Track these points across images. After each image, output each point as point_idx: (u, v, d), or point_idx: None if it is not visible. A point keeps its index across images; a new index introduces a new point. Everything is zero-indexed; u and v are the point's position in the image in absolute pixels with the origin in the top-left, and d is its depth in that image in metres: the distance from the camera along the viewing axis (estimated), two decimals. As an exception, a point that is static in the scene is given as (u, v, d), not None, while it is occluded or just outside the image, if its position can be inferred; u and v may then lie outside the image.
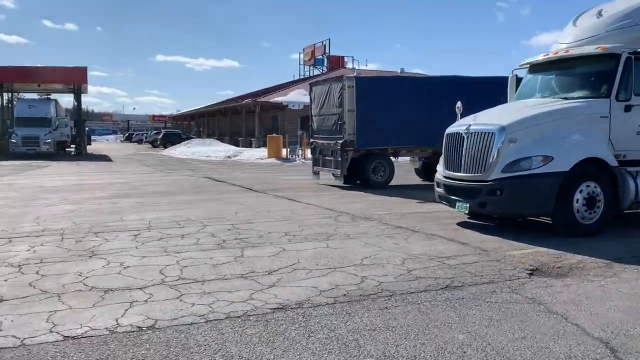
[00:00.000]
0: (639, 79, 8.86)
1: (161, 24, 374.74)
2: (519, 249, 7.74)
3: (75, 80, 42.98)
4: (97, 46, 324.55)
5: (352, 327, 4.65)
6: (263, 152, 37.23)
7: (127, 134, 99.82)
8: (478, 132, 8.86)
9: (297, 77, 72.44)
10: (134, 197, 14.50)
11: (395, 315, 4.95)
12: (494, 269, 6.58)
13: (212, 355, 4.11)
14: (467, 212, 9.22)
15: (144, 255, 7.38)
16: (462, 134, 9.11)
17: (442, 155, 9.83)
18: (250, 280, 6.15)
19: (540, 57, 10.10)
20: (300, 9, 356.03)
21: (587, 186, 8.55)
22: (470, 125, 9.05)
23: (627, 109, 8.81)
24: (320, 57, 70.07)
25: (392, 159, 17.76)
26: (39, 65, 47.38)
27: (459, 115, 10.82)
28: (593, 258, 7.12)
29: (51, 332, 4.56)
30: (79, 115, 47.21)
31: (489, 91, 14.97)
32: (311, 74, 68.77)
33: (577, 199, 8.49)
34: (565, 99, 9.21)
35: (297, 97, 49.99)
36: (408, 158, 19.53)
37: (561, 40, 10.15)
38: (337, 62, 68.50)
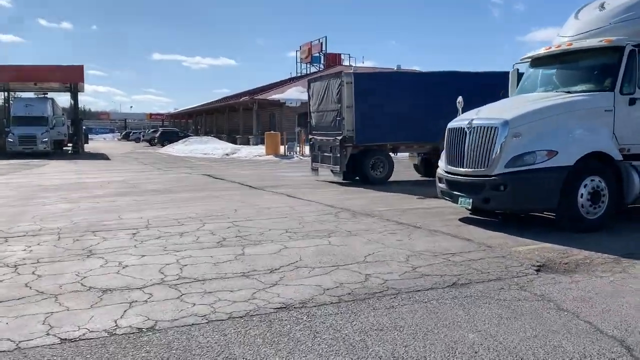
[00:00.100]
0: (644, 72, 8.72)
1: (157, 23, 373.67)
2: (524, 244, 7.62)
3: (71, 78, 42.73)
4: (94, 45, 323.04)
5: (359, 327, 4.52)
6: (261, 149, 37.08)
7: (124, 133, 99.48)
8: (481, 127, 8.72)
9: (294, 75, 72.27)
10: (132, 195, 14.35)
11: (402, 314, 4.82)
12: (500, 266, 6.45)
13: (214, 358, 3.98)
14: (470, 207, 9.10)
15: (143, 254, 7.24)
16: (464, 128, 8.98)
17: (444, 151, 9.69)
18: (251, 279, 6.01)
19: (542, 51, 9.98)
20: (296, 6, 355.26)
21: (592, 180, 8.43)
22: (472, 120, 8.92)
23: (632, 102, 8.68)
24: (317, 54, 69.92)
25: (391, 154, 17.65)
26: (35, 64, 46.76)
27: (460, 110, 10.68)
28: (600, 254, 7.00)
29: (48, 334, 4.42)
30: (75, 113, 46.94)
31: (488, 86, 14.83)
32: (308, 72, 68.60)
33: (582, 194, 8.37)
34: (569, 92, 9.08)
35: (295, 94, 49.84)
36: (407, 154, 19.40)
37: (563, 34, 10.02)
38: (333, 60, 68.35)
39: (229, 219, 10.07)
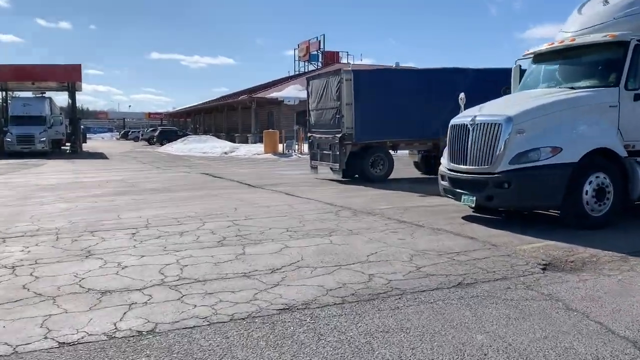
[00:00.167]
0: (649, 67, 8.62)
1: (155, 22, 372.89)
2: (528, 242, 7.51)
3: (69, 78, 42.58)
4: (92, 44, 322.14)
5: (364, 329, 4.41)
6: (259, 147, 36.97)
7: (123, 132, 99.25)
8: (484, 123, 8.61)
9: (292, 73, 72.18)
10: (131, 194, 14.22)
11: (408, 316, 4.71)
12: (505, 265, 6.35)
13: (217, 362, 3.87)
14: (473, 205, 8.99)
15: (143, 255, 7.13)
16: (467, 125, 8.86)
17: (447, 148, 9.57)
18: (253, 279, 5.90)
19: (545, 47, 9.87)
20: (294, 5, 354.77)
21: (597, 177, 8.32)
22: (475, 117, 8.80)
23: (637, 97, 8.58)
24: (315, 52, 69.82)
25: (391, 152, 17.54)
26: (33, 63, 46.65)
27: (462, 106, 10.57)
28: (606, 251, 6.89)
29: (46, 338, 4.31)
30: (73, 113, 46.80)
31: (489, 82, 14.73)
32: (306, 70, 68.52)
33: (587, 191, 8.27)
34: (572, 88, 8.97)
35: (293, 92, 49.79)
36: (406, 151, 19.30)
37: (566, 29, 9.90)
38: (332, 58, 68.31)
39: (228, 217, 9.96)
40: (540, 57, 10.07)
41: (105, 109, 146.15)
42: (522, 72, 10.58)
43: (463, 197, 9.00)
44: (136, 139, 79.03)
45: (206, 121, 76.10)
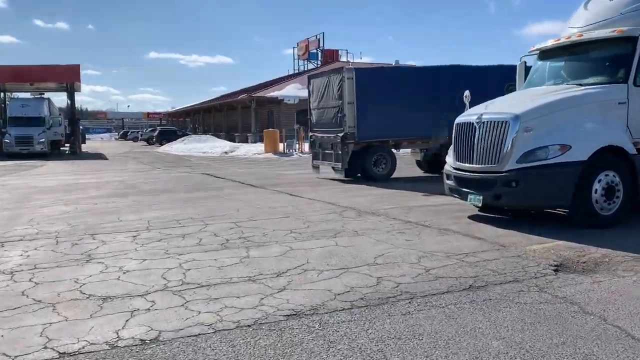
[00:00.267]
0: (658, 63, 8.46)
1: (153, 21, 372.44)
2: (538, 243, 7.36)
3: (68, 78, 42.42)
4: (90, 45, 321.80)
5: (375, 336, 4.26)
6: (260, 147, 36.80)
7: (122, 132, 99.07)
8: (491, 122, 8.45)
9: (291, 72, 72.01)
10: (131, 195, 14.07)
11: (419, 321, 4.56)
12: (516, 266, 6.20)
13: (224, 372, 3.72)
14: (480, 204, 8.83)
15: (144, 258, 6.97)
16: (473, 123, 8.70)
17: (452, 146, 9.42)
18: (258, 283, 5.75)
19: (551, 43, 9.71)
20: (292, 3, 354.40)
21: (606, 175, 8.17)
22: (482, 115, 8.65)
23: None
24: (315, 51, 69.65)
25: (394, 151, 17.38)
26: (32, 64, 46.40)
27: (467, 104, 10.41)
28: (618, 251, 6.74)
29: (45, 348, 4.16)
30: (72, 113, 46.63)
31: (493, 80, 14.66)
32: (305, 69, 68.35)
33: (596, 189, 8.11)
34: (580, 85, 8.81)
35: (293, 91, 49.65)
36: (408, 150, 19.14)
37: (572, 25, 9.74)
38: (331, 56, 68.13)
39: (231, 219, 9.80)
40: (546, 54, 9.91)
41: (104, 109, 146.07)
42: (528, 69, 10.42)
43: (469, 196, 8.84)
44: (135, 139, 78.83)
45: (205, 121, 75.94)
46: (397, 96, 16.41)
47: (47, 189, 16.22)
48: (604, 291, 5.29)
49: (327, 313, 4.80)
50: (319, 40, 68.72)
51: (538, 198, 8.26)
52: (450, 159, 9.55)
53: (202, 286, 5.68)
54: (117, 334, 4.41)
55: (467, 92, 10.77)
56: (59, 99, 79.14)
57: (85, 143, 52.17)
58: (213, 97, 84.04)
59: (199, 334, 4.37)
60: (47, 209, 11.82)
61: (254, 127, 50.21)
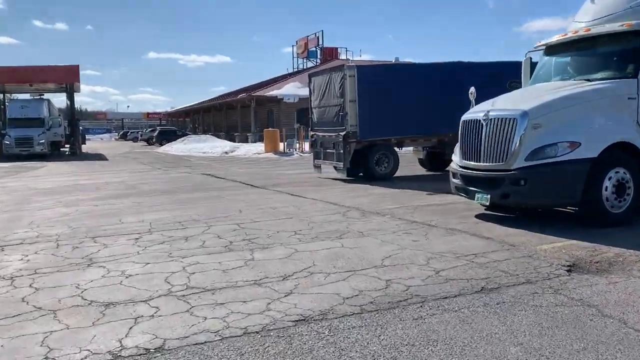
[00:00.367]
0: (668, 57, 8.30)
1: (152, 22, 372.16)
2: (548, 242, 7.21)
3: (67, 79, 42.21)
4: (89, 45, 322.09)
5: (387, 343, 4.10)
6: (260, 146, 36.58)
7: (122, 132, 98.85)
8: (498, 119, 8.29)
9: (290, 71, 71.80)
10: (132, 197, 13.91)
11: (432, 326, 4.41)
12: (528, 267, 6.05)
13: (232, 383, 3.57)
14: (488, 203, 8.67)
15: (147, 262, 6.82)
16: (480, 120, 8.54)
17: (458, 144, 9.25)
18: (264, 287, 5.60)
19: (557, 38, 9.54)
20: (290, 2, 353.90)
21: (616, 172, 8.01)
22: (489, 112, 8.49)
23: None
24: (314, 49, 69.41)
25: (396, 149, 17.22)
26: (31, 65, 46.25)
27: (473, 101, 10.23)
28: (631, 250, 6.59)
29: (46, 358, 4.01)
30: (72, 114, 46.45)
31: (496, 76, 14.44)
32: (305, 67, 68.14)
33: (606, 187, 7.96)
34: (588, 80, 8.65)
35: (293, 90, 49.48)
36: (409, 148, 18.97)
37: (579, 19, 9.57)
38: (330, 54, 67.89)
39: (234, 220, 9.65)
40: (552, 49, 9.74)
41: (104, 110, 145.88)
42: (533, 65, 10.26)
43: (477, 195, 8.69)
44: (135, 140, 78.60)
45: (205, 120, 75.77)
46: (400, 93, 16.22)
47: (47, 191, 16.06)
48: (621, 292, 5.15)
49: (336, 318, 4.65)
50: (318, 38, 68.48)
51: (547, 196, 8.11)
52: (456, 157, 9.39)
53: (207, 290, 5.53)
54: (121, 342, 4.26)
55: (472, 89, 10.58)
56: (59, 100, 79.15)
57: (85, 144, 52.03)
58: (212, 97, 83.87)
59: (206, 342, 4.23)
60: (48, 211, 11.67)
61: (253, 127, 50.03)
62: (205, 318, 4.73)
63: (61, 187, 17.07)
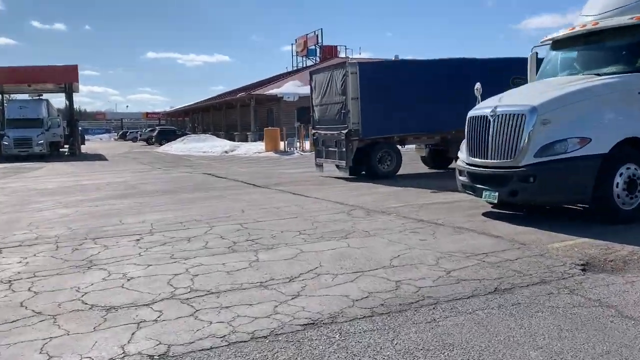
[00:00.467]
0: (679, 50, 8.13)
1: (150, 21, 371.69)
2: (559, 240, 7.04)
3: (66, 79, 42.01)
4: (87, 45, 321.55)
5: (401, 347, 3.94)
6: (260, 145, 36.39)
7: (121, 132, 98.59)
8: (506, 114, 8.12)
9: (290, 69, 71.57)
10: (132, 197, 13.73)
11: (447, 329, 4.24)
12: (541, 266, 5.88)
13: (241, 392, 3.40)
14: (495, 201, 8.50)
15: (149, 264, 6.65)
16: (487, 117, 8.37)
17: (465, 141, 9.08)
18: (271, 289, 5.43)
19: (564, 32, 9.37)
20: (289, 1, 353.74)
21: (627, 169, 7.85)
22: (496, 107, 8.32)
23: None
24: (313, 47, 69.19)
25: (398, 147, 17.05)
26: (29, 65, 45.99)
27: (478, 97, 10.05)
28: (645, 248, 6.43)
29: (46, 366, 3.85)
30: (71, 114, 46.21)
31: (498, 73, 14.34)
32: (304, 65, 67.93)
33: (617, 183, 7.79)
34: (598, 75, 8.47)
35: (292, 88, 49.28)
36: (412, 146, 18.81)
37: (586, 13, 9.38)
38: (330, 52, 67.67)
39: (236, 220, 9.48)
40: (559, 44, 9.57)
41: (103, 110, 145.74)
42: (540, 60, 10.08)
43: (484, 192, 8.52)
44: (135, 140, 78.37)
45: (205, 120, 75.56)
46: (403, 91, 16.05)
47: (47, 192, 15.88)
48: (639, 292, 4.98)
49: (346, 322, 4.48)
50: (317, 36, 68.25)
51: (557, 193, 7.95)
52: (462, 154, 9.22)
53: (212, 293, 5.36)
54: (123, 349, 4.09)
55: (478, 85, 10.40)
56: (58, 100, 78.65)
57: (84, 144, 51.89)
58: (212, 96, 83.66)
59: (212, 347, 4.06)
60: (47, 212, 11.50)
61: (253, 126, 49.83)
62: (211, 322, 4.57)
63: (61, 188, 16.89)
